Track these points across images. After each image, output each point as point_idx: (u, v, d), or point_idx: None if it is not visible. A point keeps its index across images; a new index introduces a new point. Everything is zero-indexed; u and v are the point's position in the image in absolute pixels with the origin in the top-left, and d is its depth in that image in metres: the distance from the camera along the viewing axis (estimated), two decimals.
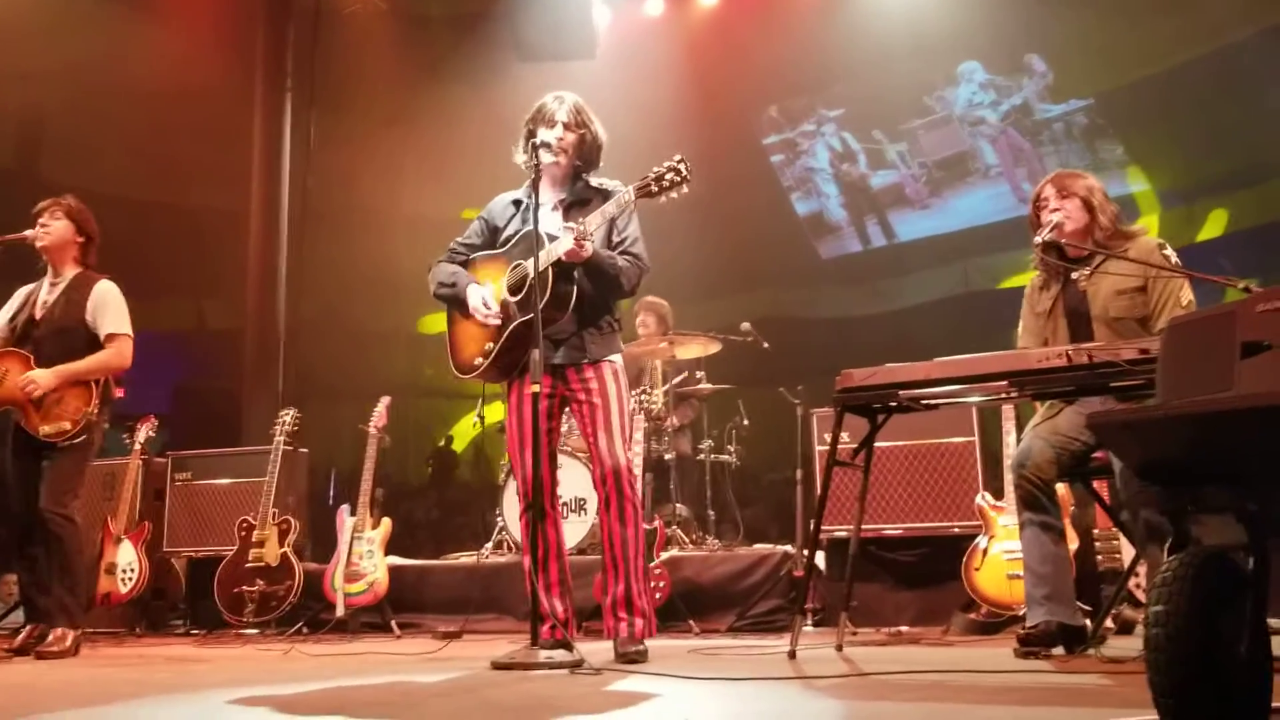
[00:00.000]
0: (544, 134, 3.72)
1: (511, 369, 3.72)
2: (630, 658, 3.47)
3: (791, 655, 3.49)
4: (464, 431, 13.14)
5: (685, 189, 3.47)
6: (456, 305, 3.81)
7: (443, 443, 13.18)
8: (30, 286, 4.78)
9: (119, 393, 4.75)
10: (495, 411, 7.13)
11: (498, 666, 3.30)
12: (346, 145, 11.05)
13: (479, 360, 3.71)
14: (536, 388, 3.39)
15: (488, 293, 3.70)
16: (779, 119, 12.34)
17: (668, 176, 3.47)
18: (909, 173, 11.82)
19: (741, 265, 11.65)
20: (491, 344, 3.67)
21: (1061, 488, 4.31)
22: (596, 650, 3.62)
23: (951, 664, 3.18)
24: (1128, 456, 1.99)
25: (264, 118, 9.97)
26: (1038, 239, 3.61)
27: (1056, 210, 3.62)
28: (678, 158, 3.48)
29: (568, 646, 3.43)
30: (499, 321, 3.64)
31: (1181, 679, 1.61)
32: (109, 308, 4.63)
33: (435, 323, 12.09)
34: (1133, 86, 10.18)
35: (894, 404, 3.52)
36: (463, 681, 3.11)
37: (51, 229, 4.67)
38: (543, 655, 3.29)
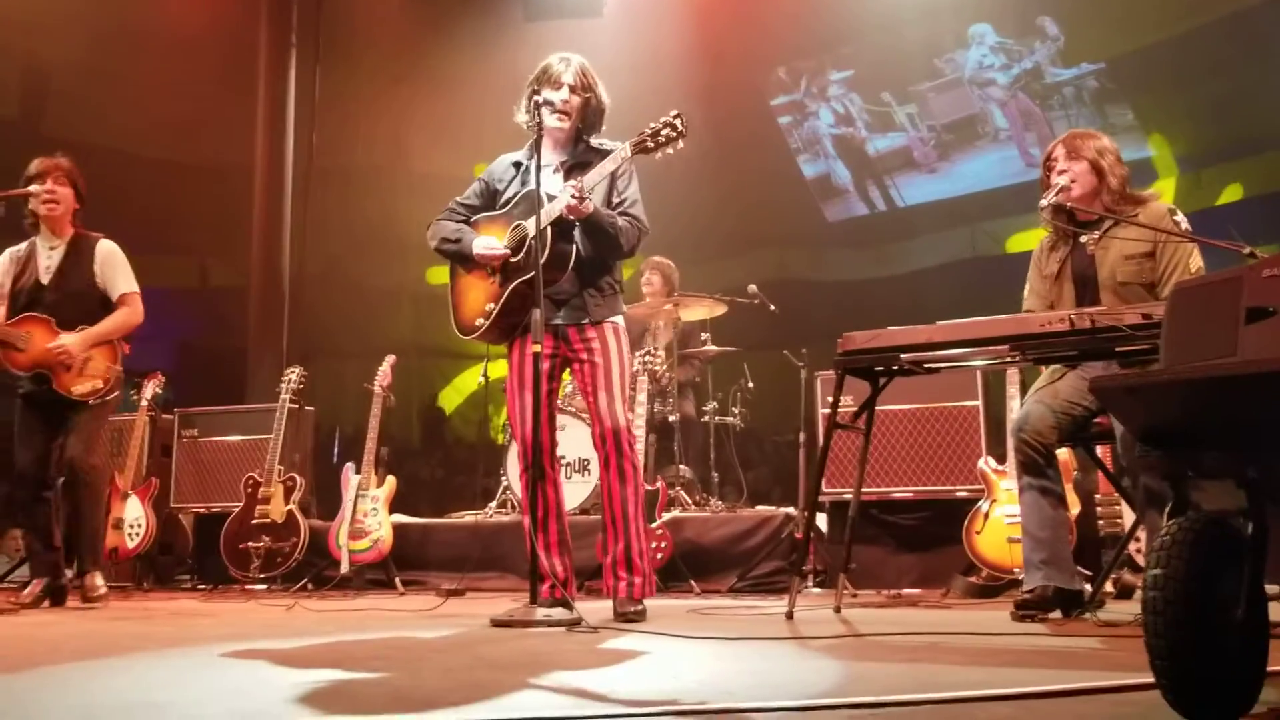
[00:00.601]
0: (549, 94, 3.70)
1: (512, 330, 3.73)
2: (629, 617, 3.51)
3: (789, 616, 3.52)
4: (467, 390, 13.17)
5: (681, 144, 3.45)
6: (460, 260, 3.81)
7: (445, 401, 13.22)
8: (17, 250, 4.81)
9: (126, 349, 4.80)
10: (498, 370, 7.15)
11: (497, 624, 3.33)
12: (352, 102, 10.99)
13: (480, 321, 3.72)
14: (538, 348, 3.41)
15: (493, 241, 3.71)
16: (787, 80, 12.23)
17: (664, 132, 3.44)
18: (917, 135, 11.73)
19: (747, 227, 11.59)
20: (492, 304, 3.68)
21: (1064, 452, 4.32)
22: (596, 609, 3.65)
23: (947, 626, 3.21)
24: (1130, 421, 1.99)
25: (269, 73, 9.92)
26: (1042, 202, 3.59)
27: (1064, 172, 3.60)
28: (674, 113, 3.46)
29: (567, 605, 3.45)
30: (506, 253, 3.64)
31: (1179, 642, 1.62)
32: (117, 269, 4.77)
33: (443, 274, 12.09)
34: (1145, 51, 10.07)
35: (895, 367, 3.53)
36: (461, 638, 3.14)
37: (59, 197, 4.73)
38: (541, 613, 3.32)
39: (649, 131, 3.47)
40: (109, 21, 10.00)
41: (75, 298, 4.69)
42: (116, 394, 4.78)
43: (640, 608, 3.59)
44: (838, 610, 3.72)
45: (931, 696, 1.91)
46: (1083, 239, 3.64)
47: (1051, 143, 3.76)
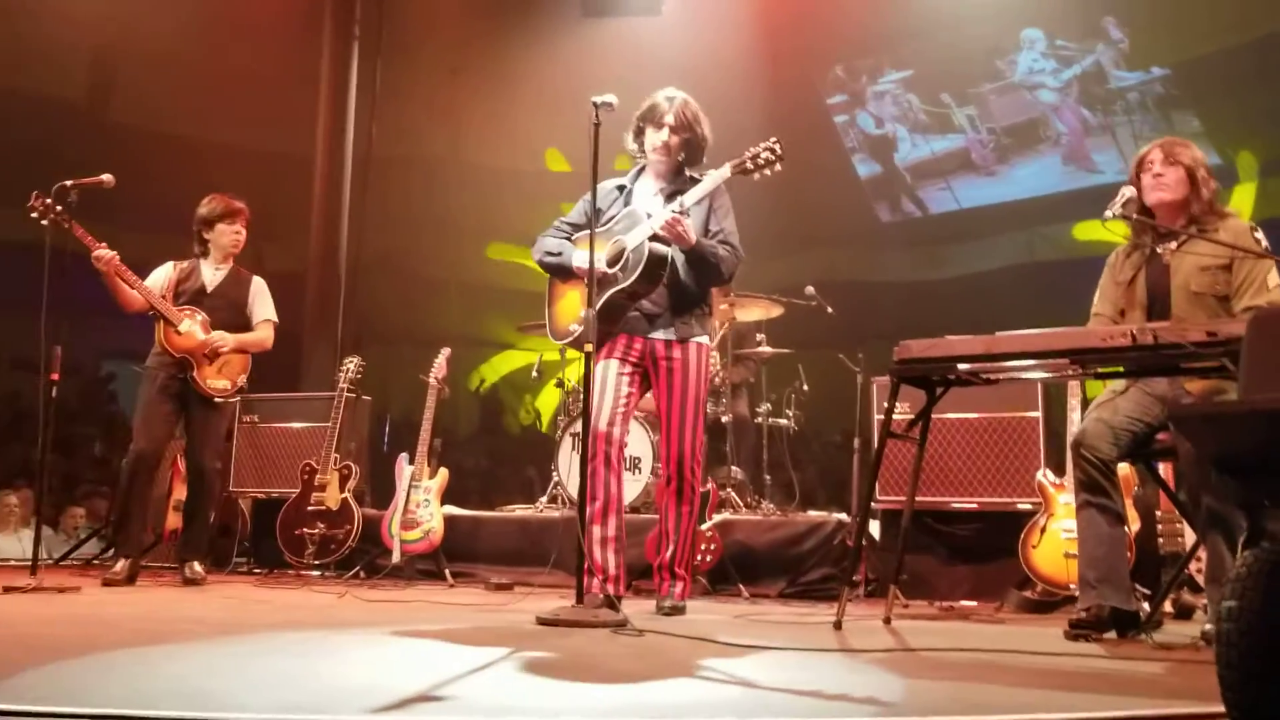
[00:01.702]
0: (652, 136, 3.97)
1: (604, 339, 3.92)
2: (666, 611, 3.87)
3: (837, 626, 3.49)
4: (517, 382, 13.24)
5: (779, 167, 3.75)
6: (560, 272, 4.04)
7: (494, 392, 13.30)
8: (181, 264, 5.39)
9: None
10: (552, 370, 7.18)
11: (543, 622, 3.36)
12: (411, 94, 11.09)
13: (574, 327, 3.97)
14: (590, 346, 3.56)
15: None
16: (844, 78, 12.15)
17: (763, 155, 3.76)
18: (976, 137, 11.60)
19: (801, 226, 11.53)
20: (591, 312, 3.81)
21: (1125, 467, 4.26)
22: (643, 607, 3.80)
23: (999, 643, 3.16)
24: (1205, 448, 1.97)
25: (331, 64, 10.04)
26: (1107, 213, 3.54)
27: (1160, 176, 3.54)
28: (773, 139, 3.75)
29: (614, 605, 3.52)
30: (607, 269, 3.82)
31: (1252, 674, 1.59)
32: (266, 299, 5.49)
33: (502, 250, 12.16)
34: (1213, 56, 9.89)
35: (952, 377, 3.50)
36: (505, 635, 3.17)
37: (242, 237, 5.41)
38: (588, 614, 3.36)
39: (749, 155, 3.78)
40: (177, 11, 10.17)
41: (229, 310, 5.33)
42: (236, 399, 5.50)
43: (680, 604, 3.93)
44: (887, 621, 3.69)
45: None
46: (1159, 249, 3.59)
47: (1146, 146, 3.68)
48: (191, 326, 5.19)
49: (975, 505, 5.05)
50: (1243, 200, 9.60)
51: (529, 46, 10.60)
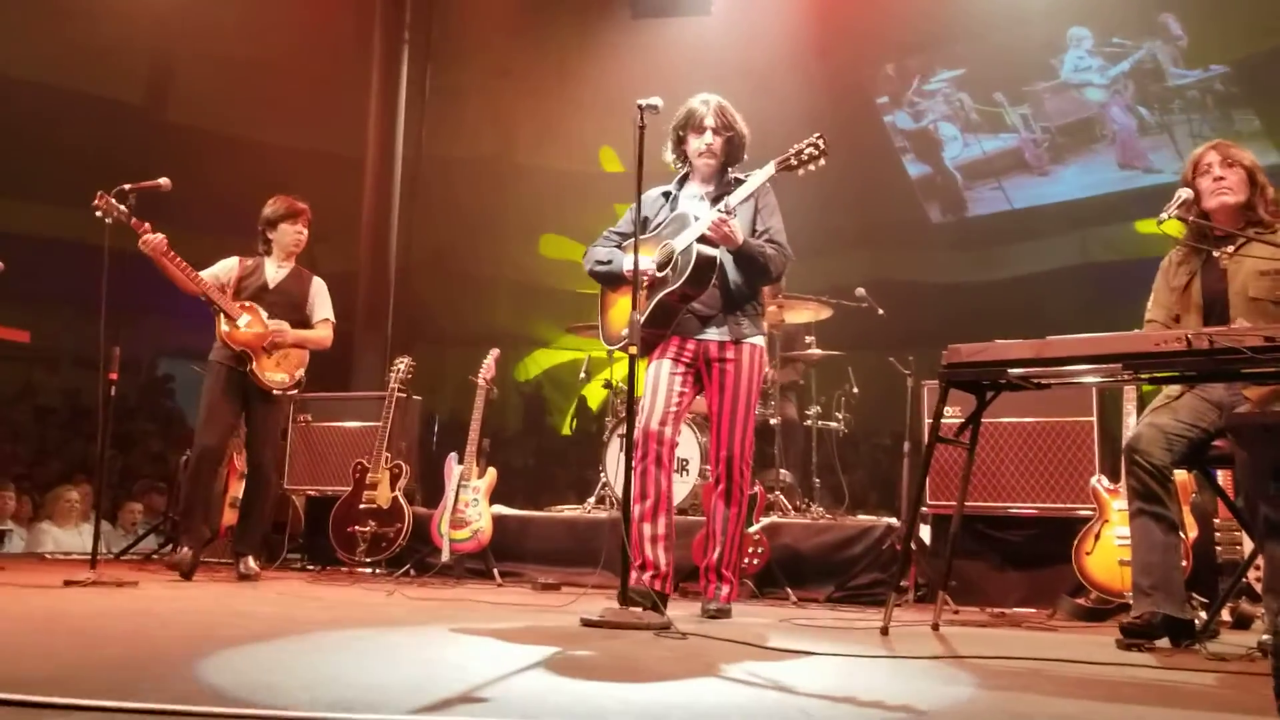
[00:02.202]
0: (695, 142, 4.01)
1: (654, 344, 3.97)
2: (712, 614, 3.87)
3: (884, 631, 3.46)
4: (564, 383, 13.29)
5: (823, 162, 3.73)
6: (611, 280, 4.07)
7: (541, 392, 13.35)
8: (246, 260, 5.50)
9: None
10: (599, 367, 7.20)
11: (587, 624, 3.37)
12: (461, 96, 11.18)
13: (625, 332, 3.90)
14: (634, 349, 3.60)
15: (642, 260, 3.88)
16: (894, 77, 12.05)
17: (806, 151, 3.74)
18: (1030, 137, 11.46)
19: (850, 226, 11.47)
20: (639, 316, 3.83)
21: (1183, 474, 4.19)
22: (689, 610, 3.84)
23: (1048, 651, 3.11)
24: (1263, 456, 1.93)
25: (382, 67, 10.15)
26: (1162, 215, 3.45)
27: (1220, 179, 3.47)
28: (817, 135, 3.73)
29: (658, 606, 3.53)
30: (656, 272, 3.86)
31: None
32: (325, 299, 5.59)
33: (553, 244, 12.20)
34: (1273, 52, 9.68)
35: (1002, 381, 3.45)
36: (549, 635, 3.18)
37: (305, 238, 5.55)
38: (632, 616, 3.36)
39: (793, 151, 3.77)
40: (231, 14, 10.33)
41: (287, 309, 5.42)
42: (294, 393, 5.56)
43: (726, 607, 3.93)
44: (936, 628, 3.65)
45: None
46: (1215, 253, 3.51)
47: (1200, 148, 3.61)
48: (250, 320, 5.28)
49: (1029, 511, 4.99)
50: None
51: (580, 48, 10.64)
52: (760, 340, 4.04)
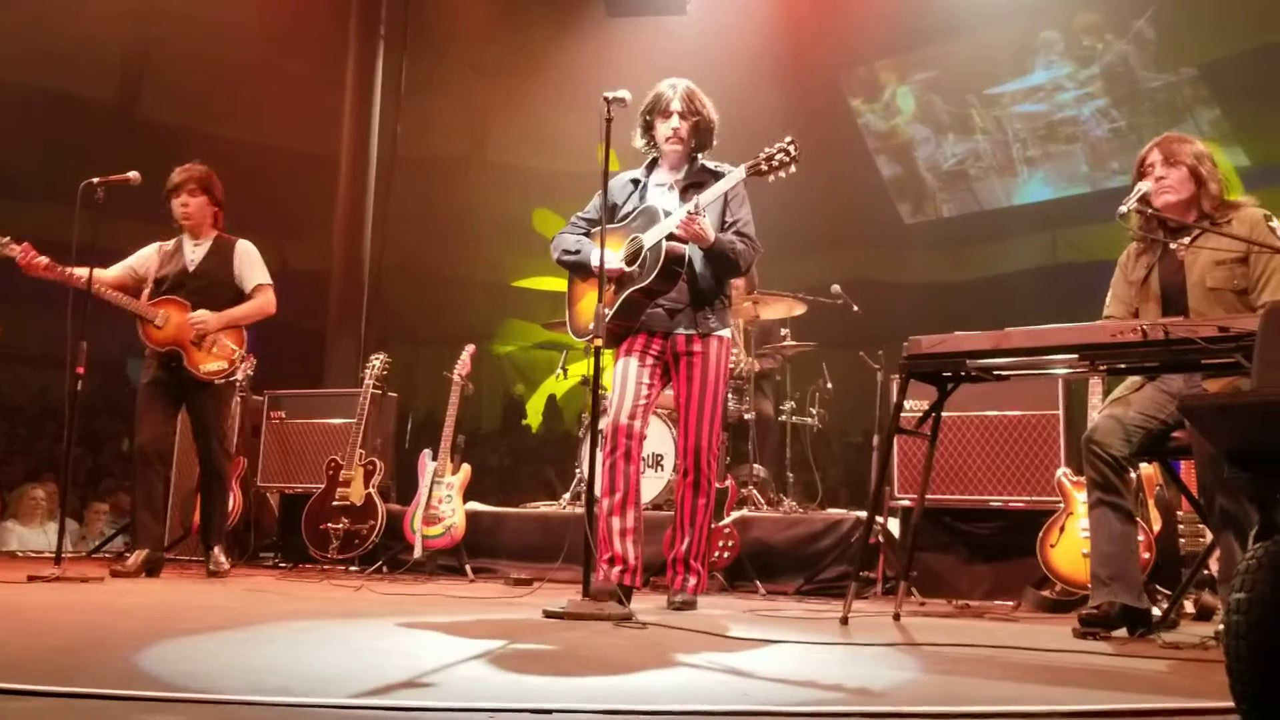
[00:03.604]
0: (662, 127, 3.98)
1: (623, 336, 3.96)
2: (678, 605, 3.86)
3: (844, 621, 3.49)
4: (538, 380, 13.28)
5: (794, 169, 3.70)
6: (578, 270, 4.06)
7: (515, 391, 13.34)
8: (164, 245, 5.25)
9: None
10: (576, 365, 7.21)
11: (549, 615, 3.38)
12: (436, 93, 11.16)
13: (593, 325, 3.87)
14: (599, 341, 3.60)
15: (609, 254, 3.86)
16: (867, 78, 12.13)
17: (778, 156, 3.72)
18: (1001, 138, 11.56)
19: (824, 226, 11.53)
20: (606, 311, 3.82)
21: (1148, 467, 4.24)
22: (659, 603, 3.84)
23: (1004, 640, 3.15)
24: (1219, 442, 1.96)
25: (357, 63, 10.11)
26: (1122, 208, 3.47)
27: (1161, 178, 3.50)
28: (788, 139, 3.71)
29: (628, 597, 3.57)
30: (625, 267, 3.86)
31: (1263, 667, 1.59)
32: (254, 264, 5.22)
33: (531, 280, 12.18)
34: (1241, 57, 9.82)
35: (962, 373, 3.49)
36: (508, 627, 3.18)
37: (192, 207, 5.14)
38: (594, 607, 3.37)
39: (763, 156, 3.74)
40: (205, 10, 10.27)
41: (214, 288, 5.12)
42: (239, 379, 5.25)
43: (692, 599, 3.91)
44: (897, 618, 3.69)
45: (947, 710, 1.88)
46: (1172, 245, 3.54)
47: (1146, 146, 3.63)
48: (168, 314, 5.04)
49: (995, 503, 5.04)
50: (1265, 199, 9.49)
51: (554, 45, 10.64)
52: (727, 333, 4.04)
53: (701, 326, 3.94)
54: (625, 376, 3.92)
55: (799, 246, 10.96)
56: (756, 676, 2.34)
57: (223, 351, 5.09)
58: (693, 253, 3.87)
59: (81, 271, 4.79)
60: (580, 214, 4.16)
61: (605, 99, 3.69)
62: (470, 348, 5.86)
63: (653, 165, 4.12)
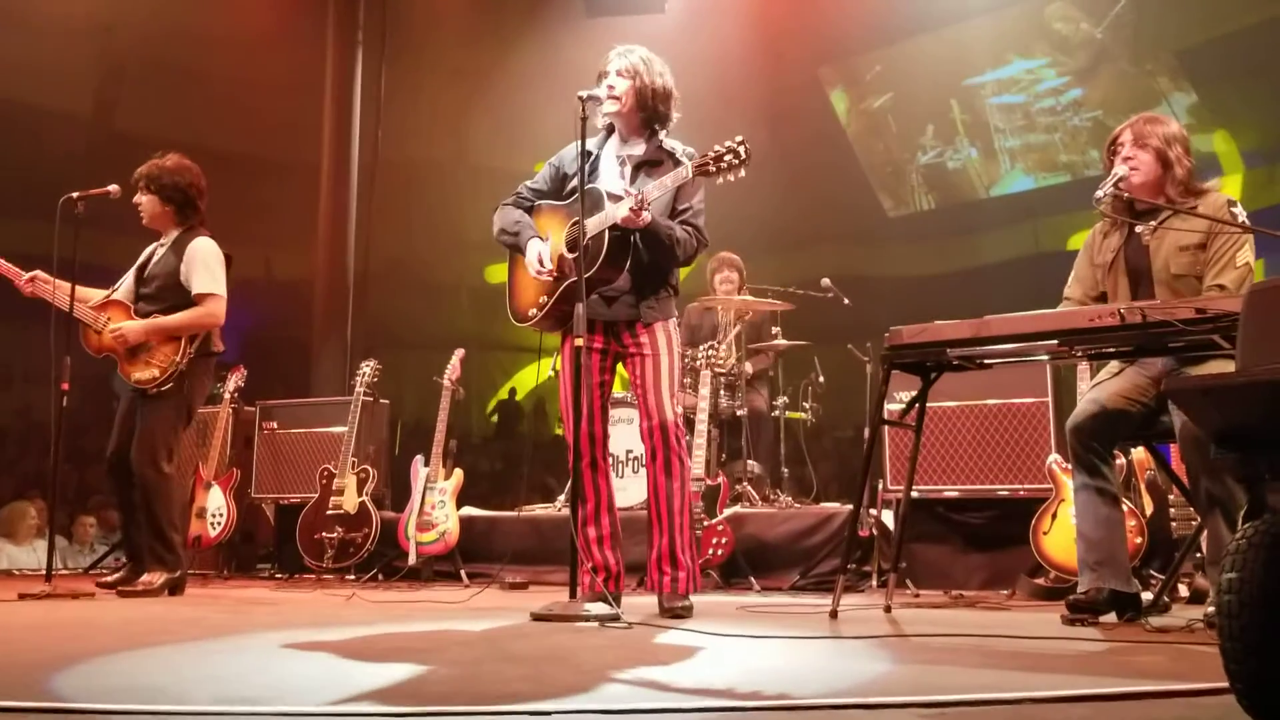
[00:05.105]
0: (599, 85, 3.74)
1: (565, 320, 3.73)
2: (675, 613, 3.52)
3: (833, 615, 3.49)
4: (526, 384, 13.28)
5: (743, 172, 3.46)
6: (515, 250, 3.85)
7: (506, 395, 13.33)
8: (154, 244, 4.98)
9: (219, 347, 4.90)
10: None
11: (536, 618, 3.35)
12: (416, 98, 11.12)
13: (533, 311, 3.79)
14: (580, 341, 3.46)
15: (545, 249, 3.74)
16: (847, 73, 12.16)
17: (726, 158, 3.46)
18: (979, 130, 11.61)
19: (808, 222, 11.56)
20: (546, 297, 3.73)
21: (1140, 451, 4.26)
22: (648, 604, 3.70)
23: (994, 628, 3.14)
24: (1205, 423, 1.96)
25: (335, 70, 10.08)
26: (1099, 192, 3.48)
27: (1129, 159, 3.49)
28: (739, 139, 3.47)
29: (615, 602, 3.49)
30: (550, 279, 3.69)
31: (1254, 645, 1.59)
32: (201, 267, 4.77)
33: (500, 273, 12.18)
34: (1215, 42, 9.88)
35: (944, 362, 3.49)
36: (494, 631, 3.15)
37: (143, 206, 4.88)
38: (581, 608, 3.33)
39: (711, 156, 3.49)
40: (182, 19, 10.23)
41: (163, 290, 4.78)
42: (178, 389, 4.71)
43: (687, 603, 3.60)
44: (888, 610, 3.66)
45: (913, 700, 1.88)
46: (1138, 229, 3.52)
47: (1119, 126, 3.63)
48: (110, 318, 4.76)
49: (987, 493, 5.04)
50: (1232, 188, 9.56)
51: (533, 47, 10.63)
52: (672, 321, 3.82)
53: (646, 316, 3.73)
54: (573, 380, 3.68)
55: (784, 243, 11.00)
56: (738, 672, 2.33)
57: (156, 360, 4.69)
58: (635, 238, 3.67)
59: (64, 284, 4.71)
60: (529, 183, 3.93)
61: (580, 98, 3.61)
62: (460, 352, 5.85)
63: (609, 132, 3.85)
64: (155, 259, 4.88)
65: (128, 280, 4.93)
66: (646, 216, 3.53)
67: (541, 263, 3.70)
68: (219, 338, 4.88)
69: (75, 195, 4.73)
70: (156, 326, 4.70)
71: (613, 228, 3.55)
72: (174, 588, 4.66)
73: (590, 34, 10.03)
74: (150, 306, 4.78)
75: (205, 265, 4.78)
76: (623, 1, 9.95)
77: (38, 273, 4.81)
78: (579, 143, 3.72)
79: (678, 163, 3.63)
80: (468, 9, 11.17)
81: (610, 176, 3.73)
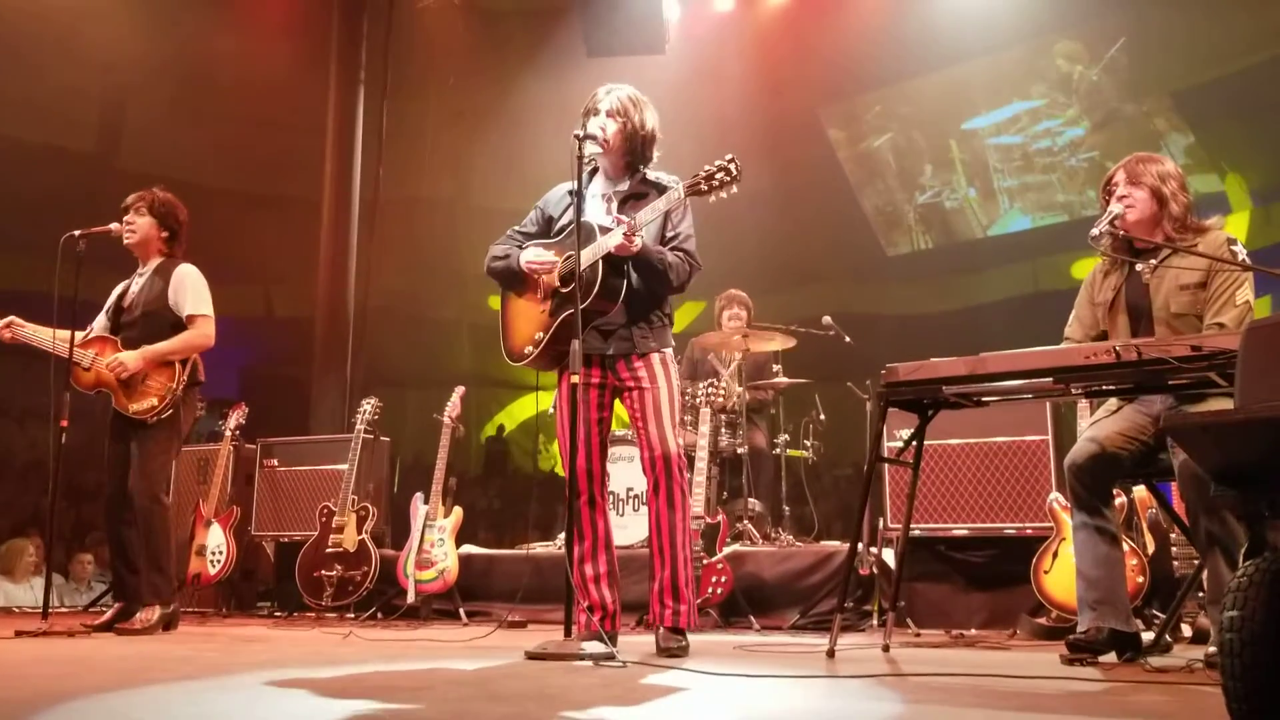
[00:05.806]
0: (590, 125, 3.72)
1: (562, 358, 3.68)
2: (671, 653, 3.49)
3: (830, 654, 3.45)
4: (525, 420, 13.27)
5: (735, 189, 3.46)
6: (509, 278, 3.82)
7: (503, 433, 13.31)
8: (126, 281, 4.95)
9: (203, 377, 4.87)
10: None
11: (531, 657, 3.31)
12: (417, 137, 11.21)
13: (529, 349, 3.74)
14: (576, 378, 3.42)
15: (540, 251, 3.72)
16: (846, 114, 12.26)
17: (718, 176, 3.46)
18: (981, 169, 11.69)
19: (807, 260, 11.62)
20: (542, 334, 3.69)
21: (1142, 490, 4.24)
22: (645, 644, 3.65)
23: (993, 668, 3.11)
24: (1205, 460, 1.95)
25: (337, 109, 10.14)
26: (1094, 231, 3.46)
27: (1124, 198, 3.48)
28: (729, 157, 3.48)
29: (611, 641, 3.44)
30: (554, 263, 3.66)
31: (1257, 684, 1.59)
32: (187, 290, 4.75)
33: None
34: (1214, 83, 9.97)
35: (940, 400, 3.47)
36: (487, 670, 3.10)
37: (136, 226, 4.84)
38: (576, 647, 3.29)
39: (703, 175, 3.48)
40: (185, 59, 10.33)
41: (147, 318, 4.75)
42: (174, 417, 4.69)
43: (684, 643, 3.56)
44: (886, 649, 3.64)
45: None
46: (1138, 267, 3.52)
47: (1114, 166, 3.63)
48: (97, 354, 4.73)
49: (987, 531, 5.02)
50: (1237, 227, 9.61)
51: (534, 87, 10.72)
52: (669, 351, 3.78)
53: (640, 346, 3.68)
54: (572, 416, 3.64)
55: (784, 281, 11.05)
56: (730, 712, 2.30)
57: (152, 389, 4.66)
58: (628, 268, 3.65)
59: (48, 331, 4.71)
60: (517, 227, 3.92)
61: (576, 137, 3.59)
62: (460, 389, 5.84)
63: (594, 174, 3.83)
64: (135, 288, 4.85)
65: (101, 319, 4.91)
66: (639, 241, 3.52)
67: (539, 262, 3.69)
68: (202, 367, 4.87)
69: (77, 233, 4.72)
70: (153, 353, 4.67)
71: (606, 258, 3.54)
72: (168, 623, 4.63)
73: (590, 74, 10.10)
74: (134, 334, 4.75)
75: (195, 287, 4.79)
76: (623, 42, 10.03)
77: (12, 319, 4.78)
78: (569, 183, 3.71)
79: (663, 192, 3.62)
80: (469, 49, 11.28)
81: (597, 215, 3.70)
